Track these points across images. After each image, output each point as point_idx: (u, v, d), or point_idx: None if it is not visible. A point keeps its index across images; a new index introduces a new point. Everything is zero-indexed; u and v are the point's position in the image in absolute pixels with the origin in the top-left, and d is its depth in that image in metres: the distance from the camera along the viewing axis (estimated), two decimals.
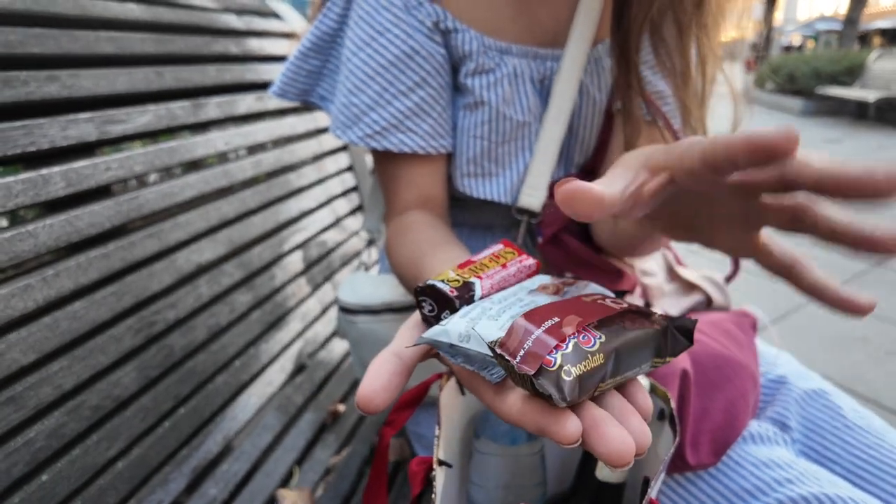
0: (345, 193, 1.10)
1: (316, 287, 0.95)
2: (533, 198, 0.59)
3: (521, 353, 0.24)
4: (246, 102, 0.87)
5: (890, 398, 1.65)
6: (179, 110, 0.73)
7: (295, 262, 0.91)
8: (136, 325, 0.63)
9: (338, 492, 0.73)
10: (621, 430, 0.23)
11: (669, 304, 0.65)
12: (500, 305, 0.30)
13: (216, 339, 0.74)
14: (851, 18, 10.05)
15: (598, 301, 0.28)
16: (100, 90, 0.63)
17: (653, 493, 0.34)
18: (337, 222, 1.05)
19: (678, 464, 0.49)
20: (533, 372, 0.23)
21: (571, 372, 0.23)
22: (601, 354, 0.25)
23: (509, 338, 0.25)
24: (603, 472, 0.41)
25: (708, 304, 0.67)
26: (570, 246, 0.62)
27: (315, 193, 1.00)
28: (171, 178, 0.71)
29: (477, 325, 0.28)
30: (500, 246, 0.36)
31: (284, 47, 1.00)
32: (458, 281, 0.32)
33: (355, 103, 0.57)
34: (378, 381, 0.28)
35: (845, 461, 0.52)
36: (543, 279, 0.34)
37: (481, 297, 0.32)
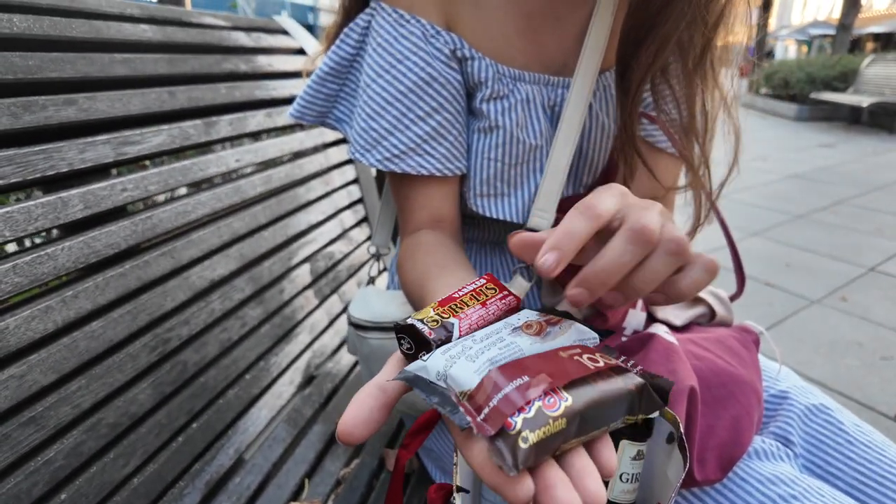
0: (351, 205, 1.11)
1: (323, 299, 0.97)
2: (542, 219, 0.60)
3: (486, 409, 0.25)
4: (256, 119, 0.88)
5: (886, 404, 1.67)
6: (192, 129, 0.75)
7: (303, 274, 0.93)
8: (152, 343, 0.64)
9: (349, 503, 0.74)
10: (572, 495, 0.24)
11: (673, 315, 0.67)
12: (481, 345, 0.30)
13: (228, 354, 0.75)
14: (845, 24, 10.14)
15: (576, 357, 0.29)
16: (115, 112, 0.64)
17: None
18: (343, 234, 1.07)
19: (685, 479, 0.50)
20: (492, 433, 0.24)
21: (529, 438, 0.24)
22: (564, 419, 0.25)
23: (478, 391, 0.26)
24: (614, 493, 0.43)
25: (711, 317, 0.68)
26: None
27: (322, 206, 1.01)
28: (185, 197, 0.72)
29: (453, 367, 0.29)
30: (483, 281, 0.37)
31: (293, 63, 1.01)
32: (436, 321, 0.32)
33: (374, 128, 0.59)
34: (360, 413, 0.29)
35: (848, 476, 0.54)
36: (529, 316, 0.35)
37: (459, 337, 0.32)
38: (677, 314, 0.67)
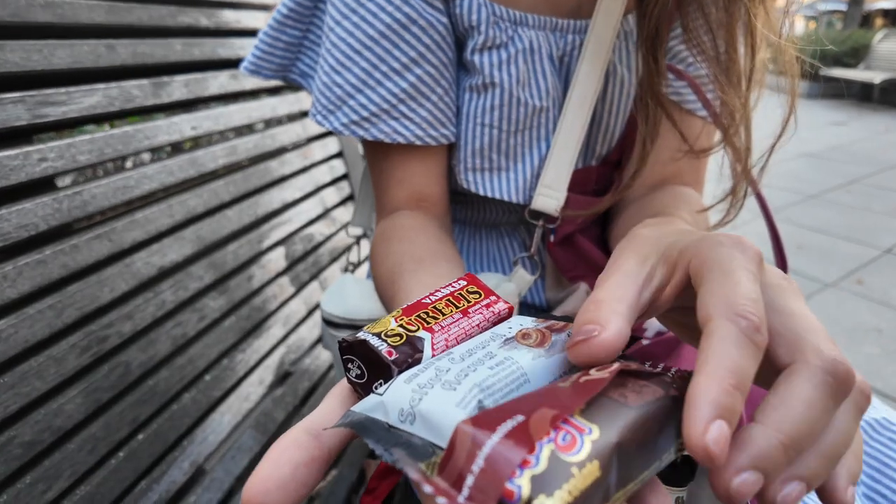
0: (334, 182, 1.00)
1: (301, 286, 0.86)
2: (550, 198, 0.49)
3: (470, 478, 0.15)
4: (218, 81, 0.77)
5: None
6: (136, 90, 0.63)
7: (276, 259, 0.82)
8: (83, 343, 0.54)
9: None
10: None
11: None
12: (462, 365, 0.20)
13: (183, 352, 0.65)
14: None
15: (584, 377, 0.19)
16: (32, 66, 0.53)
17: None
18: (325, 213, 0.96)
19: None
20: None
21: None
22: (596, 462, 0.16)
23: (452, 454, 0.16)
24: None
25: None
26: (584, 248, 0.53)
27: (300, 182, 0.90)
28: (126, 170, 0.61)
29: (424, 401, 0.18)
30: (463, 283, 0.26)
31: (263, 20, 0.90)
32: (399, 337, 0.22)
33: (339, 83, 0.48)
34: (276, 472, 0.19)
35: None
36: (523, 323, 0.24)
37: (432, 357, 0.22)
38: None
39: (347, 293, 0.60)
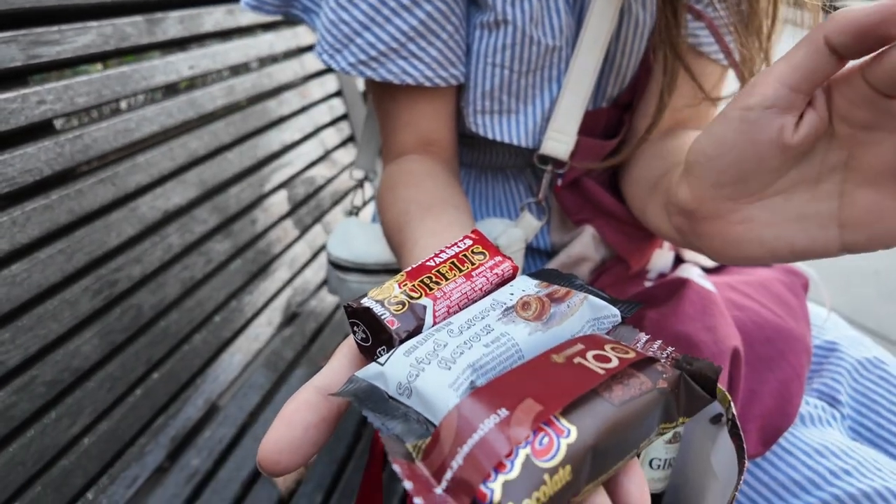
0: (334, 122, 0.98)
1: (304, 230, 0.87)
2: (560, 143, 0.49)
3: (449, 474, 0.16)
4: (214, 18, 0.74)
5: None
6: (130, 28, 0.61)
7: (279, 203, 0.82)
8: (94, 286, 0.54)
9: (333, 456, 0.68)
10: None
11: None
12: (459, 340, 0.21)
13: (191, 295, 0.66)
14: None
15: (577, 359, 0.20)
16: (21, 2, 0.51)
17: None
18: (326, 156, 0.95)
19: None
20: None
21: None
22: (568, 468, 0.16)
23: (436, 444, 0.17)
24: None
25: None
26: (590, 190, 0.53)
27: (299, 123, 0.89)
28: (125, 112, 0.60)
29: (420, 377, 0.19)
30: (469, 242, 0.26)
31: None
32: (402, 305, 0.22)
33: (345, 20, 0.46)
34: (288, 433, 0.19)
35: None
36: (525, 287, 0.25)
37: (433, 326, 0.23)
38: None
39: (353, 237, 0.60)
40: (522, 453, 0.16)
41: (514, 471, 0.16)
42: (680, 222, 0.33)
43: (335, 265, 0.60)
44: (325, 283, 0.87)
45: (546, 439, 0.17)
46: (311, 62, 0.92)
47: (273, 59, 0.85)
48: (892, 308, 1.73)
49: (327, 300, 0.87)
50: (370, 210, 0.93)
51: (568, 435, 0.17)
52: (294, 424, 0.19)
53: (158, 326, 0.61)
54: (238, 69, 0.78)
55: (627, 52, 0.49)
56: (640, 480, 0.19)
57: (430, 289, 0.23)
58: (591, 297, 0.24)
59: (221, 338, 0.68)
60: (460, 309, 0.24)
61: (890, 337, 1.60)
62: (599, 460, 0.17)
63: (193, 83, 0.71)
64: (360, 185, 0.74)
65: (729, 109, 0.28)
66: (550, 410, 0.17)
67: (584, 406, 0.18)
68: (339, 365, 0.23)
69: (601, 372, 0.19)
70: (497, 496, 0.15)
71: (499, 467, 0.16)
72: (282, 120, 0.84)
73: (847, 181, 0.27)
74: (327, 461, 0.66)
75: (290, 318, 0.81)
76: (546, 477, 0.16)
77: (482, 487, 0.15)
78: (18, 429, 0.47)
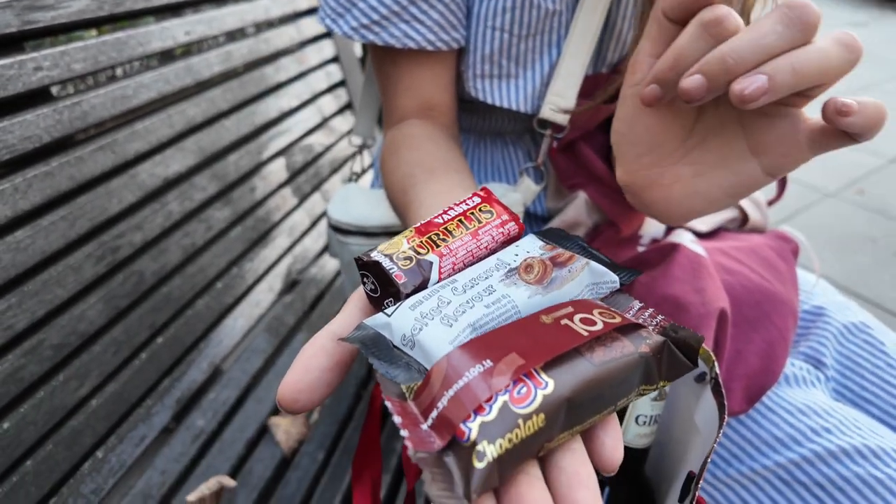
0: (331, 89, 0.98)
1: (303, 198, 0.87)
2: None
3: (434, 413, 0.18)
4: None
5: (893, 301, 1.63)
6: None
7: (277, 170, 0.82)
8: (97, 253, 0.55)
9: (334, 417, 0.70)
10: None
11: (698, 220, 0.58)
12: (462, 298, 0.22)
13: (193, 261, 0.67)
14: None
15: (564, 321, 0.21)
16: None
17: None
18: (323, 123, 0.95)
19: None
20: (441, 446, 0.17)
21: (487, 453, 0.17)
22: (542, 416, 0.18)
23: (426, 386, 0.19)
24: (626, 437, 0.36)
25: (742, 222, 0.59)
26: (585, 156, 0.53)
27: (296, 89, 0.88)
28: (122, 79, 0.60)
29: (423, 332, 0.21)
30: (477, 200, 0.27)
31: None
32: (409, 260, 0.24)
33: None
34: (306, 377, 0.21)
35: (885, 403, 0.48)
36: (530, 249, 0.26)
37: (438, 282, 0.24)
38: (703, 218, 0.58)
39: (354, 201, 0.61)
40: (501, 399, 0.17)
41: (491, 414, 0.17)
42: (630, 199, 0.37)
43: (336, 228, 0.61)
44: (324, 250, 0.88)
45: (524, 389, 0.18)
46: (307, 27, 0.91)
47: (269, 25, 0.84)
48: (887, 276, 1.75)
49: (327, 268, 0.88)
50: (369, 178, 0.93)
51: (546, 387, 0.18)
52: (311, 368, 0.21)
53: (161, 292, 0.62)
54: (234, 35, 0.77)
55: (628, 15, 0.49)
56: (615, 434, 0.20)
57: (437, 245, 0.24)
58: (592, 262, 0.25)
59: (224, 303, 0.70)
60: (465, 266, 0.25)
61: (884, 304, 1.62)
62: (574, 412, 0.19)
63: (189, 49, 0.71)
64: (359, 151, 0.74)
65: (624, 89, 0.32)
66: (531, 364, 0.18)
67: (565, 363, 0.19)
68: (351, 313, 0.24)
69: (585, 333, 0.20)
70: (474, 434, 0.17)
71: (478, 410, 0.17)
72: (279, 86, 0.83)
73: (743, 116, 0.30)
74: (329, 421, 0.69)
75: (291, 284, 0.82)
76: (520, 422, 0.17)
77: (462, 426, 0.17)
78: (28, 390, 0.49)
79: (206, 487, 0.59)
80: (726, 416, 0.29)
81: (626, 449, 0.37)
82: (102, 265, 0.56)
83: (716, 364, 0.31)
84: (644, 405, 0.36)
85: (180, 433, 0.62)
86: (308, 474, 0.63)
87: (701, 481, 0.27)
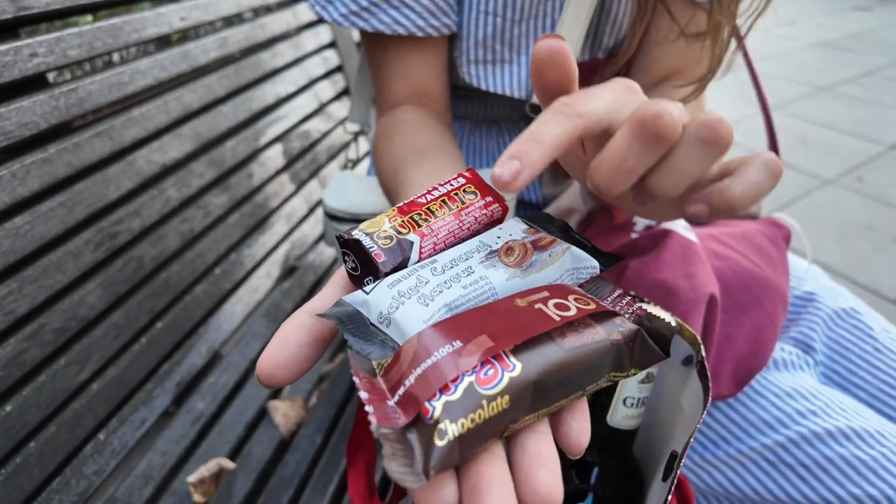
0: (328, 75, 0.98)
1: (301, 184, 0.87)
2: None
3: (402, 390, 0.18)
4: None
5: (890, 287, 1.64)
6: None
7: (275, 156, 0.83)
8: (96, 239, 0.56)
9: (332, 400, 0.71)
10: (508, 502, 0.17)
11: None
12: (441, 279, 0.22)
13: (191, 247, 0.68)
14: None
15: (538, 305, 0.21)
16: None
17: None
18: (320, 109, 0.95)
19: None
20: (405, 423, 0.17)
21: (448, 432, 0.17)
22: (507, 397, 0.18)
23: (396, 363, 0.19)
24: (615, 418, 0.37)
25: None
26: None
27: (293, 75, 0.88)
28: (118, 65, 0.60)
29: (399, 310, 0.21)
30: (462, 181, 0.27)
31: None
32: (390, 239, 0.24)
33: None
34: (284, 352, 0.21)
35: (872, 387, 0.48)
36: (512, 232, 0.26)
37: (419, 261, 0.24)
38: None
39: (349, 188, 0.62)
40: (467, 380, 0.18)
41: (456, 393, 0.18)
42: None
43: (331, 216, 0.61)
44: (322, 237, 0.89)
45: (491, 371, 0.18)
46: (304, 12, 0.91)
47: (266, 10, 0.84)
48: (885, 263, 1.75)
49: (325, 254, 0.89)
50: (366, 165, 0.93)
51: (513, 370, 0.19)
52: (289, 343, 0.22)
53: (160, 278, 0.63)
54: (231, 20, 0.77)
55: (623, 0, 0.49)
56: (582, 417, 0.21)
57: (419, 225, 0.24)
58: (573, 247, 0.25)
59: (222, 289, 0.70)
60: (447, 246, 0.25)
61: (882, 291, 1.63)
62: (541, 395, 0.19)
63: (186, 35, 0.70)
64: (354, 138, 0.75)
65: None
66: (500, 346, 0.19)
67: (535, 347, 0.20)
68: (331, 291, 0.24)
69: (557, 318, 0.21)
70: (437, 412, 0.17)
71: (444, 389, 0.18)
72: (276, 72, 0.83)
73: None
74: (327, 405, 0.70)
75: (289, 271, 0.82)
76: (484, 402, 0.18)
77: (426, 404, 0.17)
78: (30, 374, 0.49)
79: (205, 469, 0.60)
80: (710, 398, 0.30)
81: (615, 430, 0.37)
82: (101, 251, 0.56)
83: (702, 347, 0.32)
84: (632, 387, 0.36)
85: (180, 416, 0.63)
86: (306, 456, 0.64)
87: (683, 460, 0.28)
